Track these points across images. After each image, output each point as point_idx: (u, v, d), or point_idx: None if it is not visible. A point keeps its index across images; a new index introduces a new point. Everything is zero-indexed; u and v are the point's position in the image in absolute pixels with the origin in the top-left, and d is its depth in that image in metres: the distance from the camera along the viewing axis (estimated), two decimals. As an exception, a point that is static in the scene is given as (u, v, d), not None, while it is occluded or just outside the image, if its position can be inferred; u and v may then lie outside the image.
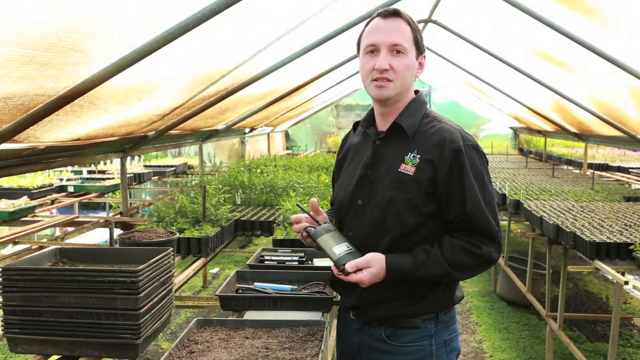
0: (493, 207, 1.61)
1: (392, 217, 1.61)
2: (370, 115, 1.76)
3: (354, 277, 1.55)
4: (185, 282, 2.91)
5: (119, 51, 2.17)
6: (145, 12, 2.14)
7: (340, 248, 1.60)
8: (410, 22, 1.62)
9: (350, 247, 1.61)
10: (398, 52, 1.58)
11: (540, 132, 8.71)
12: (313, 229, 1.65)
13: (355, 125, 1.84)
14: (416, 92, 1.73)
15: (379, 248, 1.61)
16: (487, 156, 1.68)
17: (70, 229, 4.38)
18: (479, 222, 1.57)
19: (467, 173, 1.57)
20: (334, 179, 1.90)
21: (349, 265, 1.55)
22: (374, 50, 1.61)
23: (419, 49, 1.64)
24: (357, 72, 1.75)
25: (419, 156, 1.60)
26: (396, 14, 1.61)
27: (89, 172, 6.79)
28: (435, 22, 4.99)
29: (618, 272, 3.12)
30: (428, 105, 1.74)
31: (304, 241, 1.70)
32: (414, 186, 1.58)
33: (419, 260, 1.57)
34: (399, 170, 1.61)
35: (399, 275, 1.58)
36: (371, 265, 1.56)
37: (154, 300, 1.82)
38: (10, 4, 1.57)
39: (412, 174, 1.59)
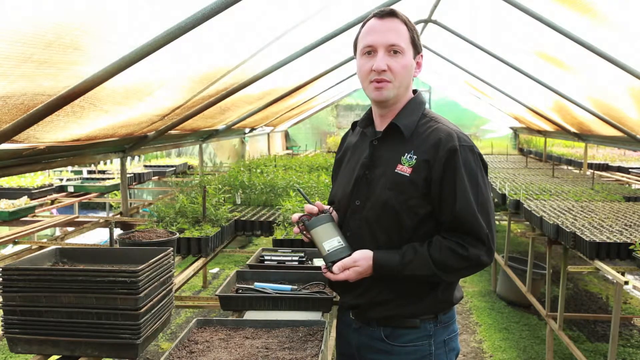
0: (486, 210, 1.58)
1: (388, 218, 1.61)
2: (369, 115, 1.76)
3: (340, 276, 1.58)
4: (185, 282, 2.91)
5: (119, 51, 2.17)
6: (145, 12, 2.14)
7: (330, 243, 1.61)
8: (406, 22, 1.61)
9: (342, 242, 1.61)
10: (395, 52, 1.58)
11: (540, 132, 8.71)
12: (308, 220, 1.66)
13: (354, 125, 1.84)
14: (415, 91, 1.73)
15: (376, 248, 1.62)
16: (487, 156, 1.68)
17: (70, 229, 4.38)
18: (469, 223, 1.55)
19: (460, 173, 1.56)
20: (333, 177, 1.91)
21: (336, 267, 1.58)
22: (371, 51, 1.60)
23: (416, 48, 1.64)
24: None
25: (415, 157, 1.60)
26: (392, 14, 1.60)
27: (89, 172, 6.79)
28: (435, 22, 4.99)
29: (618, 272, 3.12)
30: (427, 105, 1.74)
31: (301, 233, 1.70)
32: (410, 187, 1.58)
33: (406, 258, 1.57)
34: (395, 171, 1.61)
35: (386, 273, 1.59)
36: (358, 265, 1.58)
37: (154, 300, 1.82)
38: (7, 0, 1.57)
39: (408, 174, 1.59)
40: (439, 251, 1.56)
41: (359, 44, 1.65)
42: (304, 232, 1.68)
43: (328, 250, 1.60)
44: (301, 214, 1.70)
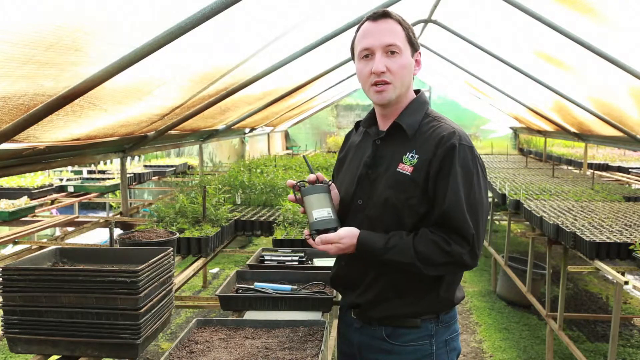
0: (476, 211, 1.56)
1: (389, 217, 1.61)
2: (372, 115, 1.77)
3: (320, 247, 1.60)
4: (185, 282, 2.91)
5: (119, 51, 2.17)
6: (145, 12, 2.14)
7: (319, 212, 1.61)
8: (401, 22, 1.61)
9: (331, 214, 1.61)
10: (393, 52, 1.58)
11: (540, 132, 8.71)
12: (304, 186, 1.66)
13: (357, 124, 1.84)
14: (417, 91, 1.73)
15: None
16: (487, 156, 1.68)
17: (70, 229, 4.38)
18: (456, 221, 1.54)
19: (455, 170, 1.56)
20: (334, 176, 1.91)
21: (319, 239, 1.59)
22: (368, 54, 1.60)
23: (414, 46, 1.63)
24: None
25: (417, 156, 1.60)
26: (386, 15, 1.60)
27: (89, 172, 6.78)
28: (435, 22, 4.99)
29: (618, 272, 3.12)
30: (428, 105, 1.74)
31: (295, 201, 1.70)
32: (411, 186, 1.59)
33: (389, 243, 1.57)
34: (397, 170, 1.61)
35: (367, 253, 1.60)
36: (341, 243, 1.59)
37: (154, 300, 1.82)
38: (10, 3, 1.57)
39: (409, 173, 1.59)
40: (424, 243, 1.55)
41: (356, 48, 1.65)
42: (298, 200, 1.67)
43: (316, 219, 1.60)
44: (297, 180, 1.70)
